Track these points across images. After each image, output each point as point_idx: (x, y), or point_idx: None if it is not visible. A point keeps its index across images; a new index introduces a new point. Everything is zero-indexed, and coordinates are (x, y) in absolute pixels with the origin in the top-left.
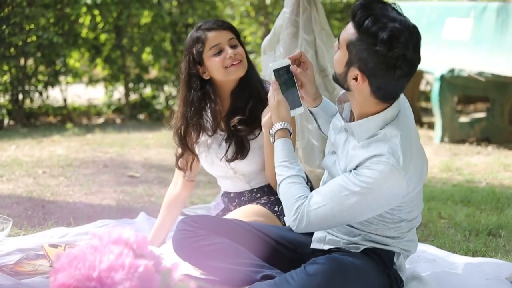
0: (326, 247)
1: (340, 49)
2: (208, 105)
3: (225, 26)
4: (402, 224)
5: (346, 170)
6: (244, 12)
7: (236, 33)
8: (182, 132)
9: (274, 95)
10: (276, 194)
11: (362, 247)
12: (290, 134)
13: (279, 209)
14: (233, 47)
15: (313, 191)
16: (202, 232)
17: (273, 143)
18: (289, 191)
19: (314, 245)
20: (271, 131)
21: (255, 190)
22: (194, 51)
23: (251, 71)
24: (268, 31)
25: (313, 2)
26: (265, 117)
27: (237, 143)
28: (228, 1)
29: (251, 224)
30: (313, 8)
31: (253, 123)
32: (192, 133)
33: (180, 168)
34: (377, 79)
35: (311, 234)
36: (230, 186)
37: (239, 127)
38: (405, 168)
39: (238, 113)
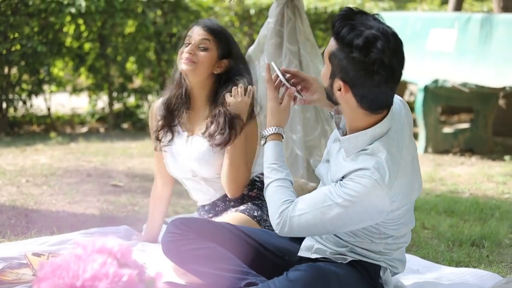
0: (313, 256)
1: (325, 63)
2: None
3: (207, 27)
4: (389, 240)
5: (334, 180)
6: (228, 22)
7: (223, 42)
8: (171, 106)
9: (278, 98)
10: (252, 200)
11: (349, 259)
12: (282, 138)
13: (258, 214)
14: (200, 47)
15: (299, 197)
16: (190, 236)
17: (263, 145)
18: (275, 195)
19: (301, 253)
20: (264, 133)
21: (227, 198)
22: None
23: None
24: (252, 41)
25: (297, 13)
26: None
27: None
28: (213, 11)
29: (240, 228)
30: (297, 18)
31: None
32: (176, 113)
33: (157, 139)
34: (359, 88)
35: (300, 242)
36: (201, 197)
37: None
38: (389, 185)
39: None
